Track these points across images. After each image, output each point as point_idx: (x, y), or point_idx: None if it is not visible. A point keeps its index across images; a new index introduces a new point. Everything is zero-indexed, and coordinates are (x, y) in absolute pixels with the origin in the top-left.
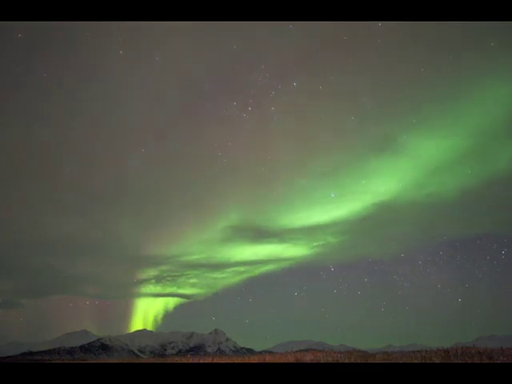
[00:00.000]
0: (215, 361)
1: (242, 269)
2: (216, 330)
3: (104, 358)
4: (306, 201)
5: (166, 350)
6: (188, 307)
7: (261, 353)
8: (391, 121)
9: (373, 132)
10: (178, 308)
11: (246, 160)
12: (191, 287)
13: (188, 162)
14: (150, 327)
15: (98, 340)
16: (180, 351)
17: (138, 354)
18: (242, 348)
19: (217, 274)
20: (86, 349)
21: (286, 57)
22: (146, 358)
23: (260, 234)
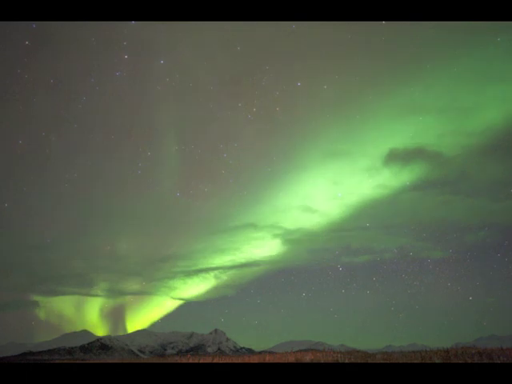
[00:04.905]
0: (215, 361)
1: (247, 270)
2: (216, 330)
3: (104, 358)
4: (311, 201)
5: (166, 349)
6: (190, 308)
7: (261, 353)
8: (393, 120)
9: (377, 132)
10: (179, 308)
11: (252, 161)
12: (194, 289)
13: (192, 163)
14: (150, 327)
15: (97, 340)
16: (180, 351)
17: (138, 353)
18: (241, 348)
19: (223, 275)
20: (86, 349)
21: (289, 57)
22: (145, 358)
23: (266, 235)
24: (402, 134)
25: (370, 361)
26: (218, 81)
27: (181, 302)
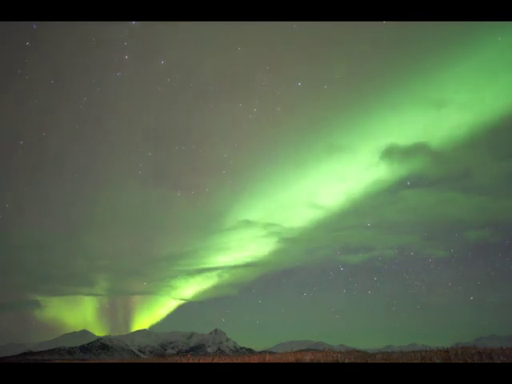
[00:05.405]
0: (215, 361)
1: (248, 269)
2: (216, 329)
3: (104, 358)
4: (312, 201)
5: (166, 349)
6: (190, 308)
7: (261, 353)
8: (394, 118)
9: (377, 131)
10: (179, 308)
11: (252, 161)
12: (195, 288)
13: (192, 163)
14: (150, 327)
15: (97, 340)
16: (180, 351)
17: (138, 353)
18: (241, 348)
19: (225, 274)
20: (86, 349)
21: (290, 57)
22: (145, 358)
23: (268, 234)
24: (403, 133)
25: (369, 361)
26: (218, 81)
27: (181, 301)
